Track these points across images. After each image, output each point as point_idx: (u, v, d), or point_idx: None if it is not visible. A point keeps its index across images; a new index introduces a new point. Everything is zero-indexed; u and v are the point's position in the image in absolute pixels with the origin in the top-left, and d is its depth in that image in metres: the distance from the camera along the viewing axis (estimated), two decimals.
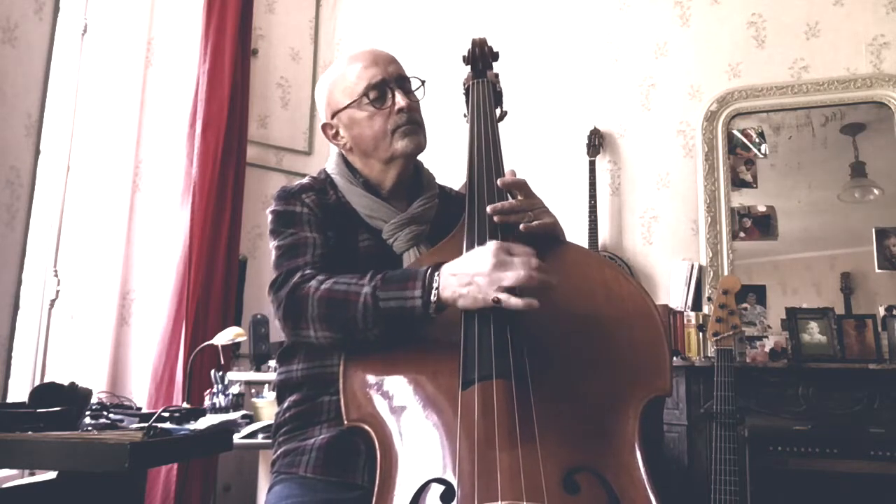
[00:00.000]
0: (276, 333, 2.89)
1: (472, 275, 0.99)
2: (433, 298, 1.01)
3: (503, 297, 0.96)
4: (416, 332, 1.06)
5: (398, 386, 1.03)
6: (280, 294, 1.11)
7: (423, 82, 1.33)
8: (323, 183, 1.32)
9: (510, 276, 0.97)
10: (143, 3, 3.29)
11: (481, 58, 1.41)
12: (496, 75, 1.42)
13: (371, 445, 0.98)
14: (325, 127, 1.35)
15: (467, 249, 1.10)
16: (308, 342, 1.13)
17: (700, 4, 3.60)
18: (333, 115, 1.32)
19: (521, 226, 1.15)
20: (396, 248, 1.25)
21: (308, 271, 1.13)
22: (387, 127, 1.26)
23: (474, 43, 1.42)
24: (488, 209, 1.15)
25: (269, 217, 1.27)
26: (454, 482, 0.87)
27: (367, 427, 0.99)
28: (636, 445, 0.93)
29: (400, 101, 1.26)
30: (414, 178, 1.36)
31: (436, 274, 1.02)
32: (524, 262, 0.97)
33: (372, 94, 1.27)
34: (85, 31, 2.96)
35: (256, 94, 3.68)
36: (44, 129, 2.46)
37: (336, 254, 1.20)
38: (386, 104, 1.27)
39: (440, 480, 0.89)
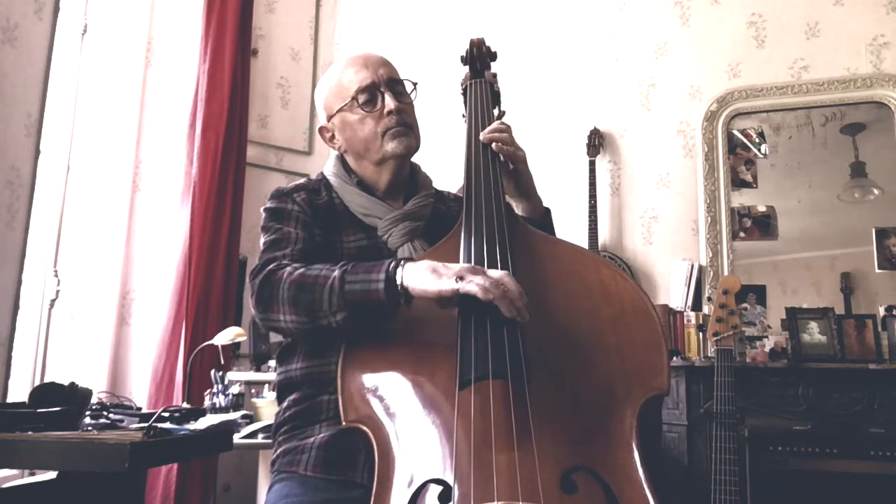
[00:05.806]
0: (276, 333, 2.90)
1: (439, 267, 0.99)
2: (398, 281, 1.00)
3: (460, 284, 0.95)
4: (381, 322, 1.05)
5: (395, 387, 1.03)
6: (255, 281, 1.13)
7: (415, 85, 1.35)
8: (317, 184, 1.34)
9: (475, 279, 0.96)
10: (143, 3, 3.29)
11: (479, 58, 1.42)
12: (494, 75, 1.42)
13: (369, 446, 0.98)
14: (321, 130, 1.38)
15: (464, 248, 1.11)
16: (277, 328, 1.13)
17: (700, 4, 3.60)
18: (329, 119, 1.35)
19: (494, 145, 1.26)
20: (391, 244, 1.25)
21: (285, 261, 1.15)
22: (377, 129, 1.29)
23: (472, 43, 1.43)
24: (481, 136, 1.26)
25: (262, 214, 1.29)
26: (452, 483, 0.87)
27: (364, 428, 0.99)
28: (634, 444, 0.93)
29: (389, 103, 1.28)
30: (410, 179, 1.38)
31: (403, 262, 1.02)
32: (496, 278, 0.96)
33: (362, 98, 1.29)
34: (85, 31, 2.97)
35: (256, 94, 3.68)
36: (44, 129, 2.46)
37: (320, 251, 1.22)
38: (376, 107, 1.29)
39: (438, 481, 0.89)
